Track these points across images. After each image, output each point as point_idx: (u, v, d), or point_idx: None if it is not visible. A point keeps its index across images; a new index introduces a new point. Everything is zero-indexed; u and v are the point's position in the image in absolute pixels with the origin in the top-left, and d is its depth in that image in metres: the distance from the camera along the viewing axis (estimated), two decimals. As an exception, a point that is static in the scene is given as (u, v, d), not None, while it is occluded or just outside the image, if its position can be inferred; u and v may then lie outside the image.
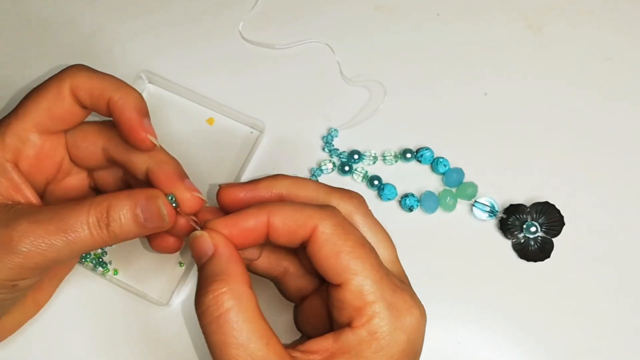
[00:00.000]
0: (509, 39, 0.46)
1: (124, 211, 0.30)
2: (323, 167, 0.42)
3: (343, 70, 0.44)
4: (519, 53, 0.45)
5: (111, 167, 0.36)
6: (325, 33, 0.45)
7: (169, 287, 0.39)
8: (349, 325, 0.29)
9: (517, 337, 0.39)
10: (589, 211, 0.42)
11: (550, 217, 0.41)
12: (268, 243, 0.31)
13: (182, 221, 0.32)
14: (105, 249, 0.40)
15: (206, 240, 0.29)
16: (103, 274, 0.39)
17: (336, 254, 0.29)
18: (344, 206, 0.31)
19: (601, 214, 0.42)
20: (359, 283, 0.28)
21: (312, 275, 0.34)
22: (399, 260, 0.32)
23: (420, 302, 0.30)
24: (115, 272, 0.39)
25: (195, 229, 0.31)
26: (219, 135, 0.43)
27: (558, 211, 0.41)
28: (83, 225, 0.29)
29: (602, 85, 0.45)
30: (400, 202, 0.41)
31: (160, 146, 0.34)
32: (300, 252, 0.33)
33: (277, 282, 0.35)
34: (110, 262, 0.40)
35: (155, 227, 0.31)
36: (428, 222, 0.41)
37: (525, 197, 0.42)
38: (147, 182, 0.33)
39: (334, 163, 0.42)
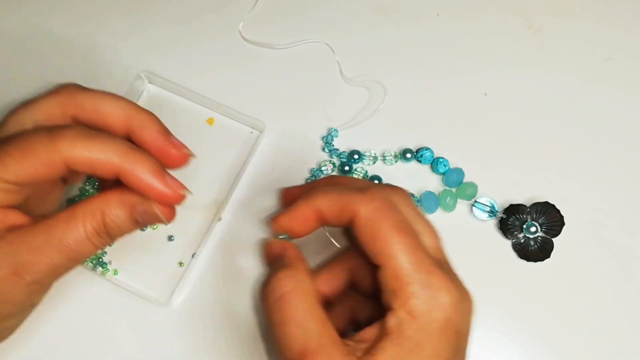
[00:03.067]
0: (509, 38, 0.46)
1: (121, 215, 0.30)
2: (323, 168, 0.42)
3: (343, 70, 0.44)
4: (519, 53, 0.45)
5: None
6: (325, 33, 0.45)
7: (169, 287, 0.39)
8: (390, 308, 0.29)
9: (517, 337, 0.39)
10: (589, 211, 0.42)
11: (550, 217, 0.41)
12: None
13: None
14: (105, 249, 0.40)
15: (277, 244, 0.34)
16: (103, 274, 0.39)
17: (374, 236, 0.30)
18: (391, 196, 0.32)
19: (601, 213, 0.42)
20: (395, 265, 0.29)
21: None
22: (442, 249, 0.33)
23: (460, 284, 0.31)
24: (115, 272, 0.39)
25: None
26: (219, 135, 0.43)
27: (558, 211, 0.41)
28: (83, 239, 0.30)
29: (602, 85, 0.45)
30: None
31: (134, 105, 0.32)
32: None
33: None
34: (110, 262, 0.39)
35: (151, 222, 0.32)
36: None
37: (525, 197, 0.42)
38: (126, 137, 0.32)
39: (333, 163, 0.42)
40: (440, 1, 0.46)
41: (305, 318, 0.29)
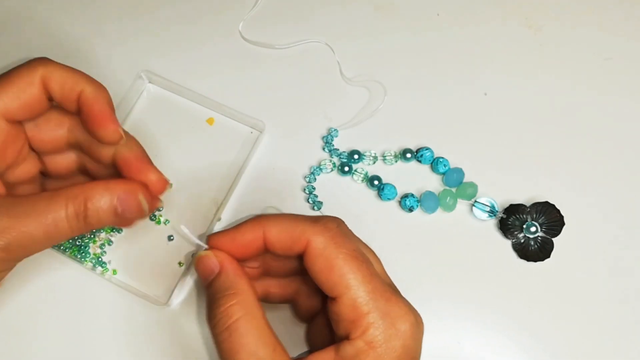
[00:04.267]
0: (509, 38, 0.46)
1: (102, 203, 0.31)
2: (322, 166, 0.42)
3: (343, 70, 0.44)
4: (519, 53, 0.45)
5: (66, 152, 0.36)
6: (325, 33, 0.45)
7: (168, 287, 0.39)
8: (347, 337, 0.29)
9: (517, 337, 0.39)
10: (589, 211, 0.42)
11: (550, 217, 0.41)
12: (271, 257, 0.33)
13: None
14: (105, 249, 0.40)
15: (212, 259, 0.31)
16: (102, 274, 0.39)
17: (329, 268, 0.30)
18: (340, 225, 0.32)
19: (601, 213, 0.42)
20: (352, 296, 0.29)
21: (320, 295, 0.34)
22: (386, 273, 0.33)
23: (414, 309, 0.31)
24: (114, 272, 0.39)
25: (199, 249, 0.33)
26: (219, 135, 0.43)
27: (558, 211, 0.41)
28: (62, 219, 0.30)
29: (602, 85, 0.45)
30: (400, 202, 0.41)
31: (125, 131, 0.34)
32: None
33: (292, 305, 0.37)
34: (109, 262, 0.39)
35: (133, 218, 0.32)
36: (428, 222, 0.41)
37: (525, 197, 0.42)
38: (109, 166, 0.34)
39: (333, 163, 0.42)
40: (440, 1, 0.47)
41: (256, 346, 0.29)
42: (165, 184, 0.34)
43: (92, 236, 0.40)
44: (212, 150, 0.42)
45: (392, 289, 0.31)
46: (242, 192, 0.41)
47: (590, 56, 0.45)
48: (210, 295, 0.31)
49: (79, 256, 0.39)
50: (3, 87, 0.32)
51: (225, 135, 0.43)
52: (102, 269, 0.39)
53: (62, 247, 0.39)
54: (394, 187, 0.41)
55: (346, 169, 0.41)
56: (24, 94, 0.32)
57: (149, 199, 0.32)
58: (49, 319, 0.38)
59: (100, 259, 0.39)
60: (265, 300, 0.36)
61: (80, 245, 0.39)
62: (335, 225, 0.31)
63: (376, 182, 0.41)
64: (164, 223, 0.40)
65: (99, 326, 0.38)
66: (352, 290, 0.29)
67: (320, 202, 0.41)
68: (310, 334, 0.36)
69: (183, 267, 0.39)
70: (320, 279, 0.30)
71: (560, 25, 0.46)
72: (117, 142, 0.33)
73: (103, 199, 0.31)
